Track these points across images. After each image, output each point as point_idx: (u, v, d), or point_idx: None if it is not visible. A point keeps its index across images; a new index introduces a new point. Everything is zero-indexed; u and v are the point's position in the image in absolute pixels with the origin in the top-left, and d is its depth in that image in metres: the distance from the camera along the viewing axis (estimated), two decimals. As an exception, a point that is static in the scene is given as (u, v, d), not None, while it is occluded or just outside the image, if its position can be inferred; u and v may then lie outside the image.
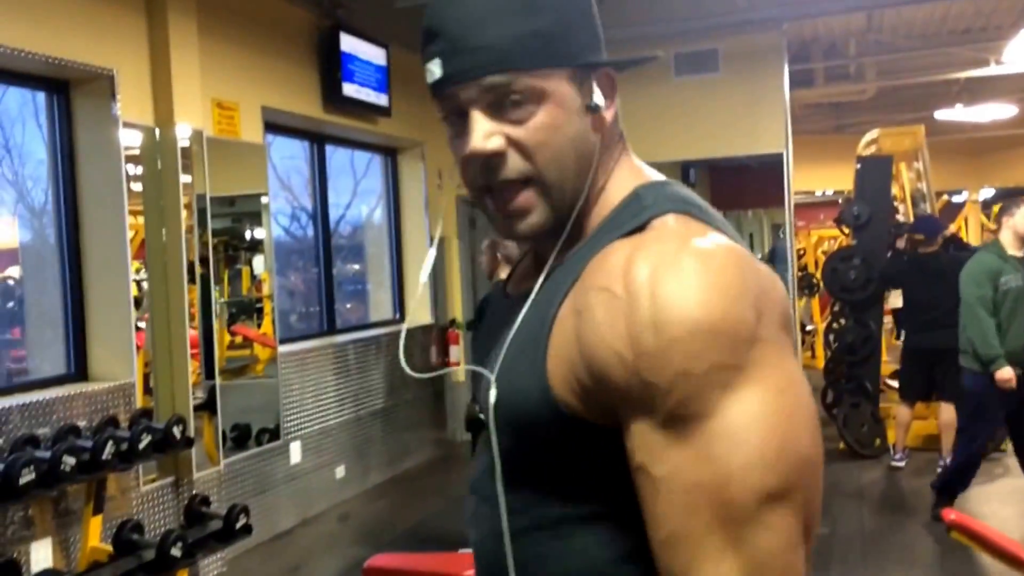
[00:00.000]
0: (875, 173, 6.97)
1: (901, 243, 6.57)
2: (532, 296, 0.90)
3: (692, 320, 0.76)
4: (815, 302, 10.14)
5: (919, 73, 9.37)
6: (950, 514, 3.12)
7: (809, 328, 10.23)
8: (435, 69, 0.89)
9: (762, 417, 0.75)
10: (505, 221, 0.92)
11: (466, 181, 0.93)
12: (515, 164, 0.89)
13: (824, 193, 15.38)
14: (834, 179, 13.36)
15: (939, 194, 11.35)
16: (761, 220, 18.36)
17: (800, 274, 8.79)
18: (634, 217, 0.88)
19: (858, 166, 7.12)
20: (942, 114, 10.96)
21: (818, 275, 10.11)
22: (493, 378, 0.88)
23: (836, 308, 7.10)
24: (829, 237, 10.96)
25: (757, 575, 0.74)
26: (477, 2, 0.87)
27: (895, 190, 7.63)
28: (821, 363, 8.32)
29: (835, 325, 6.97)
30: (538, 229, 0.92)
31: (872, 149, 7.48)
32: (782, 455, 0.75)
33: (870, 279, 6.59)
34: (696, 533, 0.75)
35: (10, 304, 6.10)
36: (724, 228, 0.89)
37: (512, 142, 0.88)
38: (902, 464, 5.99)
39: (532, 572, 0.89)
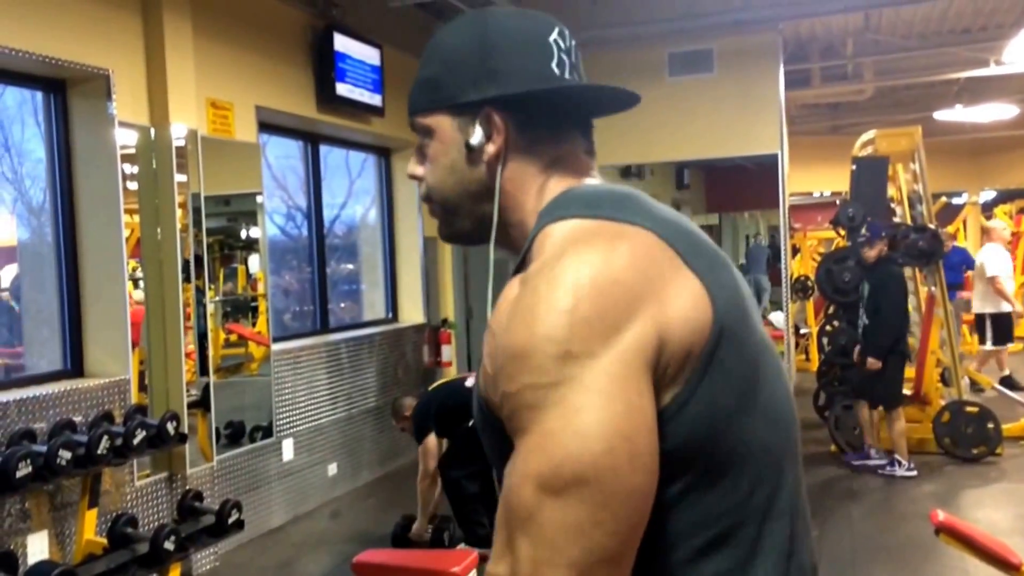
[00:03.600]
0: (870, 174, 6.94)
1: (872, 253, 5.90)
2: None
3: (508, 346, 0.84)
4: (810, 305, 10.10)
5: (917, 73, 9.35)
6: (939, 516, 3.08)
7: (804, 331, 10.19)
8: None
9: (551, 434, 0.81)
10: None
11: None
12: (424, 187, 1.08)
13: (822, 194, 15.33)
14: (832, 180, 13.32)
15: (938, 195, 11.32)
16: (758, 222, 18.35)
17: (793, 279, 8.75)
18: (529, 239, 0.97)
19: (853, 167, 7.09)
20: (941, 115, 10.90)
21: (805, 273, 10.06)
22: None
23: (830, 311, 7.09)
24: (824, 239, 10.88)
25: (521, 569, 0.81)
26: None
27: (892, 191, 7.62)
28: (815, 366, 8.33)
29: (828, 328, 6.96)
30: (448, 235, 1.10)
31: (868, 150, 7.46)
32: (561, 470, 0.79)
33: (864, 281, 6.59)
34: (496, 532, 0.85)
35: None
36: (634, 213, 0.92)
37: (424, 171, 1.07)
38: (914, 472, 5.94)
39: None
